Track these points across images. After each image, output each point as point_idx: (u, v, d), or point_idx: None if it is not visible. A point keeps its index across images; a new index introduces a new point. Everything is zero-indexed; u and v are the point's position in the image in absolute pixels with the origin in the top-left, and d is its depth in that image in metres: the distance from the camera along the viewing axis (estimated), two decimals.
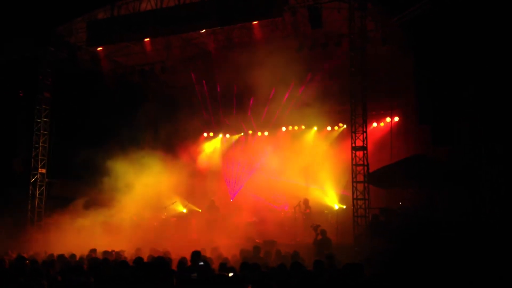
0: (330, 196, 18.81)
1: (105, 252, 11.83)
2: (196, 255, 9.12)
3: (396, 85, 18.08)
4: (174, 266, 9.18)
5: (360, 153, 15.38)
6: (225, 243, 14.34)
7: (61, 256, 10.96)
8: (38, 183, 18.98)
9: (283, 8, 15.79)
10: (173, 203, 19.73)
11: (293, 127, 21.89)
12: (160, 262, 8.49)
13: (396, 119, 19.65)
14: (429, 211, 13.90)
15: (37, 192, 18.92)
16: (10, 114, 19.93)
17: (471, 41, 13.86)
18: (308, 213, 17.96)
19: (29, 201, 18.75)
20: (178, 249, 12.60)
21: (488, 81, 13.64)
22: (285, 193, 19.97)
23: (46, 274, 7.94)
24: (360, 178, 15.28)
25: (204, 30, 17.61)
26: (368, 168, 15.29)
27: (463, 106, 14.10)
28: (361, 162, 15.34)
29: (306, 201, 18.22)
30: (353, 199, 15.26)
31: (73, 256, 11.21)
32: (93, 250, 12.38)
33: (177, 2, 16.94)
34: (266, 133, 22.69)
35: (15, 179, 19.38)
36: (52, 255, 11.82)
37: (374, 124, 19.98)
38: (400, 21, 16.05)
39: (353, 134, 15.48)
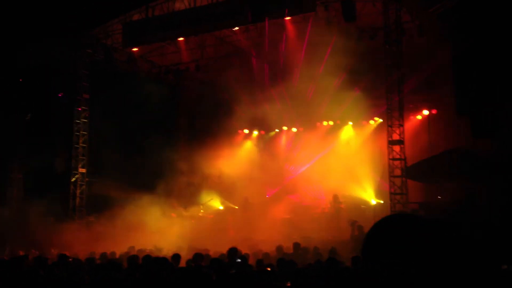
0: (367, 191, 18.60)
1: (140, 251, 11.97)
2: (233, 251, 9.16)
3: (433, 77, 17.70)
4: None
5: (397, 147, 15.15)
6: (261, 240, 14.37)
7: (102, 254, 11.19)
8: (78, 182, 19.43)
9: (315, 2, 15.67)
10: (210, 200, 19.91)
11: (328, 122, 21.72)
12: (198, 259, 8.57)
13: (434, 111, 19.26)
14: (470, 206, 13.55)
15: (78, 191, 19.36)
16: (49, 116, 20.41)
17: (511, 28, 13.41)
18: (343, 208, 17.71)
19: (70, 200, 19.21)
20: (216, 246, 12.69)
21: None
22: (321, 189, 19.86)
23: (88, 271, 8.12)
24: (397, 172, 15.05)
25: (237, 28, 17.64)
26: (405, 162, 15.04)
27: (505, 96, 13.66)
28: (397, 156, 15.10)
29: (336, 197, 17.93)
30: (391, 193, 15.06)
31: (113, 253, 11.41)
32: (131, 248, 12.58)
33: (210, 1, 17.03)
34: (301, 129, 22.59)
35: (56, 178, 19.85)
36: (93, 252, 12.08)
37: (411, 117, 19.62)
38: (436, 12, 15.71)
39: (389, 128, 15.25)
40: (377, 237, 1.76)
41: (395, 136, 15.16)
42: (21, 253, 12.54)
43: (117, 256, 11.24)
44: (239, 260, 8.72)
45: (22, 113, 19.99)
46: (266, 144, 23.43)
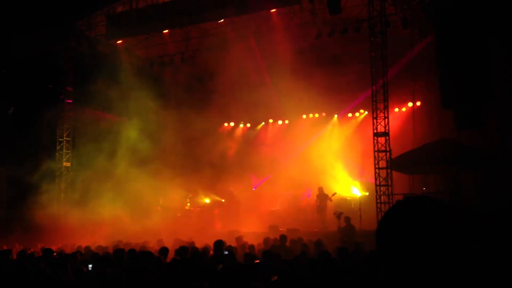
0: (353, 183, 18.69)
1: (127, 244, 11.92)
2: (219, 244, 9.15)
3: (417, 69, 17.80)
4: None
5: (382, 139, 15.24)
6: (248, 232, 14.40)
7: (87, 248, 11.12)
8: (63, 176, 19.23)
9: None
10: (198, 194, 19.91)
11: (313, 114, 21.75)
12: (185, 253, 8.55)
13: (418, 103, 19.38)
14: (455, 197, 13.70)
15: (63, 185, 19.17)
16: (34, 109, 20.13)
17: (495, 20, 13.52)
18: (329, 200, 17.56)
19: (55, 194, 19.00)
20: (202, 239, 12.69)
21: None
22: (307, 181, 19.88)
23: (73, 266, 8.05)
24: (383, 164, 15.15)
25: (222, 20, 17.55)
26: (390, 154, 15.15)
27: (489, 88, 13.80)
28: (383, 148, 15.20)
29: (321, 189, 17.72)
30: (376, 185, 15.15)
31: (99, 247, 11.35)
32: (118, 241, 12.52)
33: None
34: (286, 121, 22.59)
35: (41, 172, 19.63)
36: (80, 246, 12.01)
37: (396, 109, 19.71)
38: (420, 3, 15.77)
39: (375, 120, 15.33)
40: (393, 220, 1.70)
41: (380, 128, 15.25)
42: (5, 247, 12.42)
43: (103, 250, 11.18)
44: (226, 252, 8.71)
45: (4, 106, 19.68)
46: (251, 136, 23.41)
